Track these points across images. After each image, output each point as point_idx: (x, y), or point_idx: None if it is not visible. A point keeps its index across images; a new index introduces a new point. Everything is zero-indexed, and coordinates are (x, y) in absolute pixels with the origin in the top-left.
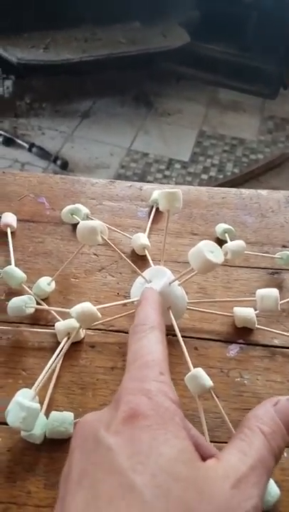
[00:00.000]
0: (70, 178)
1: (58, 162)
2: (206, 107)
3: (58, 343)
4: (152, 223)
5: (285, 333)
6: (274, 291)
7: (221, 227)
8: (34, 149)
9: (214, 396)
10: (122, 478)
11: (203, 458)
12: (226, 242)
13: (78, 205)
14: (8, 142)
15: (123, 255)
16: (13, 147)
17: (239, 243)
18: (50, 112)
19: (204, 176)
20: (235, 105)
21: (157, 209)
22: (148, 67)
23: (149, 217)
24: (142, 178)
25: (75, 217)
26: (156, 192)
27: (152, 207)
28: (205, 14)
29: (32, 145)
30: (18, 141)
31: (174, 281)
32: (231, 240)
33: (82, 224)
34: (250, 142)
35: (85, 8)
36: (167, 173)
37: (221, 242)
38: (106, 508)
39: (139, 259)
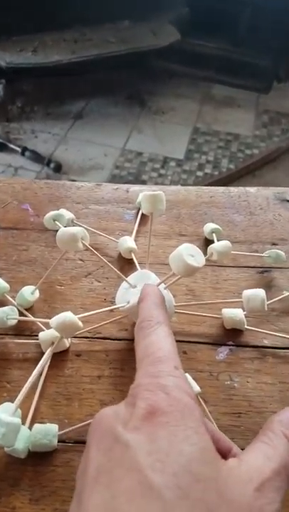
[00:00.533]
0: (55, 182)
1: (52, 165)
2: (200, 104)
3: (43, 354)
4: (139, 226)
5: (276, 333)
6: (260, 292)
7: (208, 226)
8: (27, 153)
9: (202, 402)
10: (141, 476)
11: (223, 453)
12: (213, 242)
13: (62, 211)
14: (1, 147)
15: (105, 260)
16: (6, 152)
17: (224, 244)
18: (43, 114)
19: (200, 173)
20: (229, 101)
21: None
22: (140, 66)
23: (135, 220)
24: (137, 178)
25: (57, 223)
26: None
27: (139, 209)
28: (195, 11)
29: (25, 149)
30: (11, 146)
31: (159, 284)
32: (218, 240)
33: (62, 231)
34: (245, 137)
35: (74, 9)
36: (162, 171)
37: (209, 242)
38: (125, 506)
39: (127, 263)
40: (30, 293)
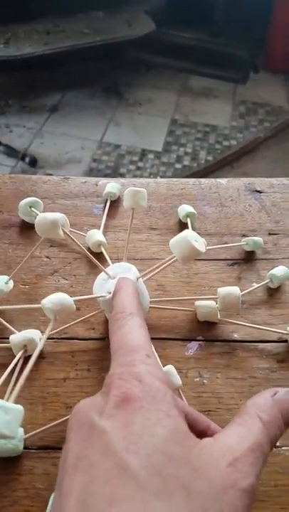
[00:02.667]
0: (20, 176)
1: (27, 159)
2: (178, 95)
3: (6, 357)
4: (107, 219)
5: (247, 324)
6: (235, 290)
7: (183, 209)
8: (1, 148)
9: (182, 395)
10: (117, 459)
11: (201, 432)
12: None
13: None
14: None
15: (84, 249)
16: None
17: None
18: (17, 108)
19: (178, 166)
20: (206, 92)
21: (111, 203)
22: (117, 58)
23: (103, 213)
24: (115, 171)
25: (34, 210)
26: (110, 185)
27: (106, 201)
28: (171, 1)
29: None
30: None
31: (141, 276)
32: (193, 227)
33: (42, 216)
34: (222, 128)
35: (46, 0)
36: (140, 164)
37: (183, 227)
38: (102, 488)
39: (96, 258)
40: (4, 283)
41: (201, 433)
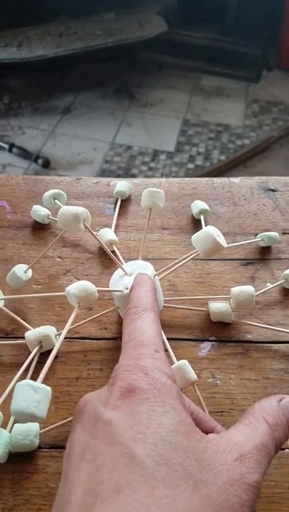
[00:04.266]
0: (33, 177)
1: (40, 161)
2: (189, 95)
3: (19, 356)
4: (119, 219)
5: (261, 325)
6: (249, 289)
7: (196, 205)
8: (14, 150)
9: (197, 390)
10: (123, 447)
11: (206, 433)
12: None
13: (38, 206)
14: None
15: (103, 244)
16: None
17: None
18: (30, 110)
19: (190, 165)
20: (218, 91)
21: (122, 203)
22: (128, 59)
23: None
24: (127, 172)
25: (58, 202)
26: (121, 183)
27: (116, 200)
28: (182, 1)
29: (12, 145)
30: None
31: (157, 274)
32: (206, 223)
33: (65, 209)
34: (235, 128)
35: (58, 3)
36: (152, 164)
37: (195, 225)
38: (108, 476)
39: (108, 258)
40: (23, 271)
41: (205, 433)
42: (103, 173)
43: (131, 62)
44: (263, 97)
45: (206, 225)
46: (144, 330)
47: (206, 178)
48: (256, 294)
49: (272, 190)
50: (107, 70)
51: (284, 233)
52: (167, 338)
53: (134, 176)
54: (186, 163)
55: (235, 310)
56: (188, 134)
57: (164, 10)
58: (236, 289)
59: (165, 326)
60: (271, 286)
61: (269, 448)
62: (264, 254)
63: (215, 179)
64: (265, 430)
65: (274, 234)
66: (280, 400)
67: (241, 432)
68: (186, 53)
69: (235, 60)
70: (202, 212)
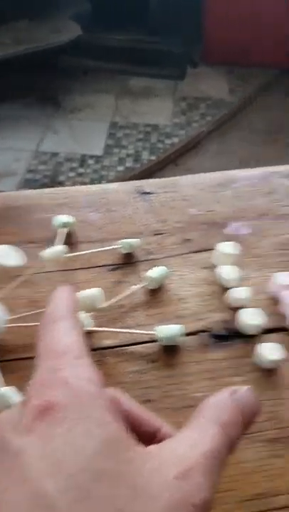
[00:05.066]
0: None
1: None
2: (117, 98)
3: None
4: None
5: (116, 329)
6: (94, 292)
7: (58, 220)
8: None
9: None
10: (34, 485)
11: (149, 436)
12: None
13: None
14: None
15: None
16: None
17: (55, 249)
18: None
19: (120, 168)
20: (146, 91)
21: None
22: (52, 66)
23: None
24: (54, 180)
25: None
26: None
27: None
28: (97, 4)
29: None
30: None
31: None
32: (73, 236)
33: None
34: (164, 127)
35: None
36: (81, 170)
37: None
38: None
39: None
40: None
41: (149, 436)
42: (26, 183)
43: (54, 68)
44: (191, 94)
45: (72, 237)
46: (60, 339)
47: (82, 186)
48: (120, 297)
49: (148, 193)
50: (30, 78)
51: (155, 234)
52: (17, 359)
53: (61, 183)
54: (116, 165)
55: (97, 316)
56: (117, 137)
57: (78, 15)
58: (82, 293)
59: (17, 345)
60: (133, 288)
61: (220, 452)
62: (132, 257)
63: (91, 186)
64: (215, 431)
65: (135, 241)
66: (233, 393)
67: (186, 438)
68: (108, 56)
69: (161, 59)
70: (66, 225)
